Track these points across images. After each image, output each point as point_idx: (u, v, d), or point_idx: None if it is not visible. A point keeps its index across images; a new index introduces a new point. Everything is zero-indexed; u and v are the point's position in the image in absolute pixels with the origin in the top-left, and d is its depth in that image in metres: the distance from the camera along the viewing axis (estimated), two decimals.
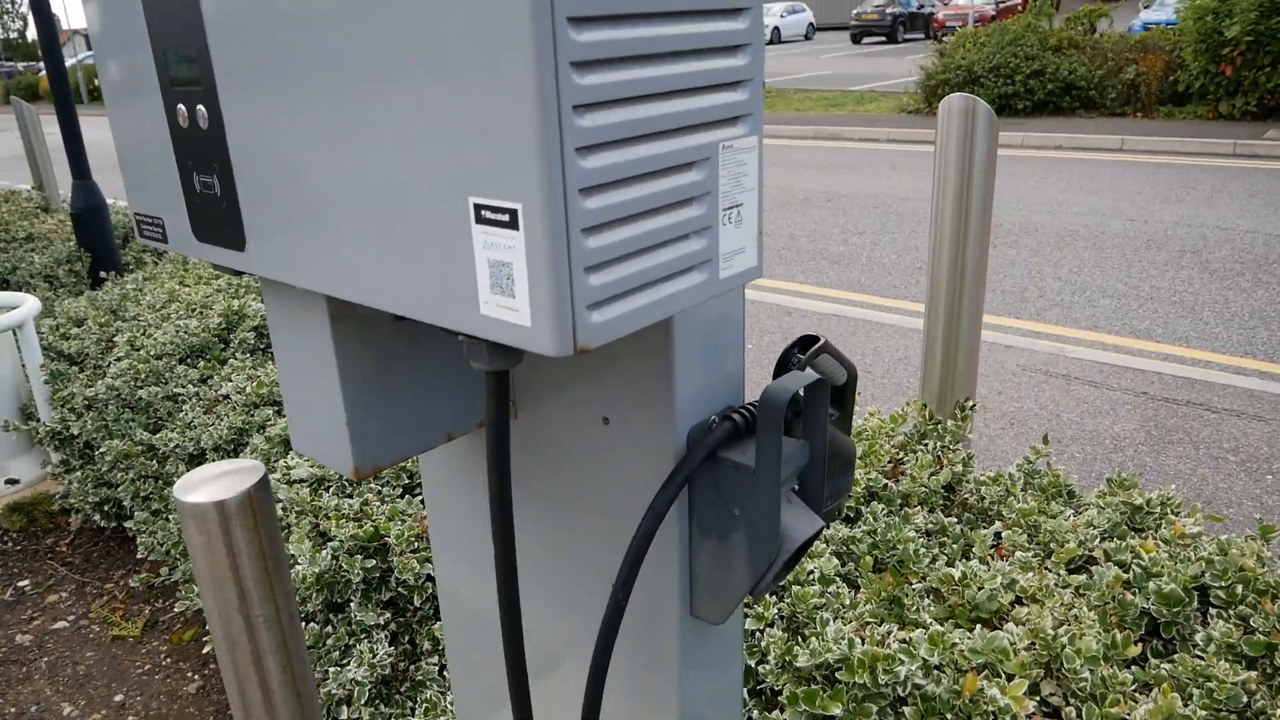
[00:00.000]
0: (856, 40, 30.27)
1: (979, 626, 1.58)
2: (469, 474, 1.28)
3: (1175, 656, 1.46)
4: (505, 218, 0.68)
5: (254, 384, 2.79)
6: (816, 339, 1.13)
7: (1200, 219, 6.41)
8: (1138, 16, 17.68)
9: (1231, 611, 1.53)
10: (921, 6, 30.37)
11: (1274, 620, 1.46)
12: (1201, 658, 1.47)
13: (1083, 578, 1.63)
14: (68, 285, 4.46)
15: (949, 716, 1.39)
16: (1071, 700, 1.42)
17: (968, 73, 11.57)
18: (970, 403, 2.17)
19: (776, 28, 32.94)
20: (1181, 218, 6.47)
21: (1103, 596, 1.58)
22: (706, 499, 1.07)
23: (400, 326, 1.09)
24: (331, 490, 2.20)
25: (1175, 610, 1.54)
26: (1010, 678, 1.43)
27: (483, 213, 0.69)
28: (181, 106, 0.98)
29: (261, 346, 3.18)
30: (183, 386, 2.93)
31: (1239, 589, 1.55)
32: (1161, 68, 10.65)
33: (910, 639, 1.51)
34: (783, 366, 1.12)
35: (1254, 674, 1.37)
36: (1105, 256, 5.64)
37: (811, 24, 35.03)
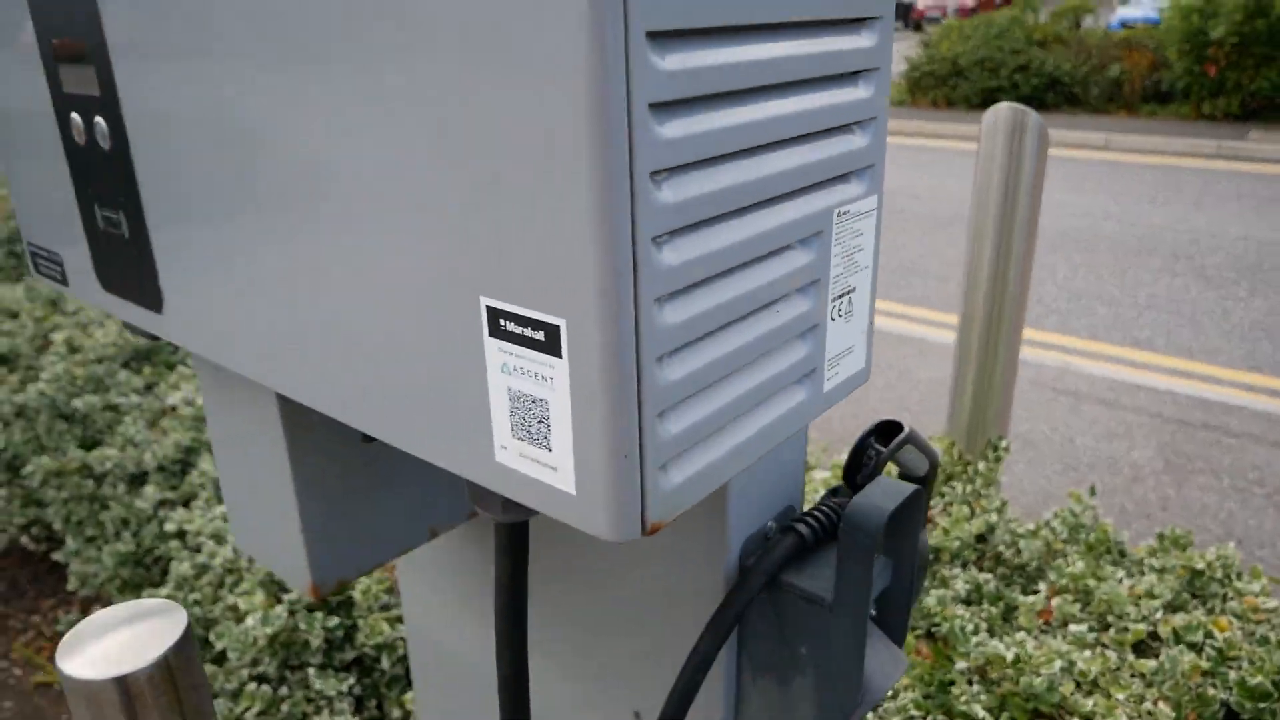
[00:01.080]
0: None
1: None
2: (449, 549, 1.04)
3: None
4: (539, 336, 0.44)
5: None
6: (899, 426, 0.90)
7: (1190, 223, 6.29)
8: (1115, 14, 17.64)
9: None
10: None
11: None
12: None
13: (1152, 663, 1.44)
14: (5, 270, 4.11)
15: None
16: None
17: (953, 65, 11.40)
18: (1004, 442, 1.97)
19: None
20: (1171, 221, 6.34)
21: (1177, 688, 1.39)
22: (762, 631, 0.84)
23: None
24: None
25: (1261, 705, 1.35)
26: None
27: (503, 323, 0.45)
28: (76, 117, 0.73)
29: None
30: (125, 395, 2.65)
31: None
32: (1146, 66, 10.54)
33: None
34: (856, 460, 0.89)
35: None
36: (1099, 260, 5.49)
37: None
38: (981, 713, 1.38)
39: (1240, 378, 3.76)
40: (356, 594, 1.75)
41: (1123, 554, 1.75)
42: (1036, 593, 1.67)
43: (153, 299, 0.74)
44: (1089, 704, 1.37)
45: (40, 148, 0.81)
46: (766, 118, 0.47)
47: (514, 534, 0.60)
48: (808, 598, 0.77)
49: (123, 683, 0.64)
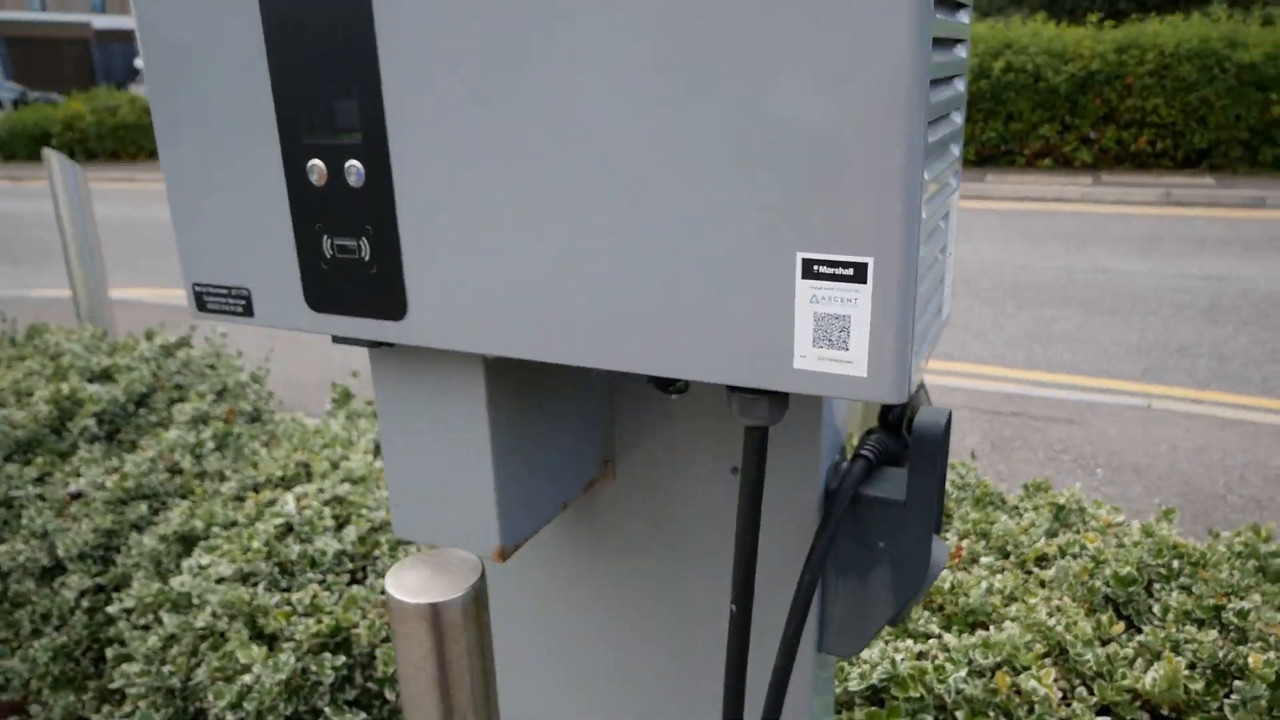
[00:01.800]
0: None
1: (978, 630, 1.71)
2: (540, 570, 1.21)
3: (1145, 629, 1.67)
4: (849, 272, 0.69)
5: (116, 477, 2.45)
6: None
7: (957, 253, 7.31)
8: None
9: (1174, 583, 1.78)
10: None
11: (1213, 585, 1.72)
12: (1163, 626, 1.69)
13: (1049, 573, 1.82)
14: None
15: (991, 714, 1.50)
16: (1080, 680, 1.59)
17: None
18: None
19: None
20: None
21: (1071, 587, 1.78)
22: (841, 541, 1.09)
23: (543, 383, 1.04)
24: (262, 586, 1.98)
25: (1130, 589, 1.76)
26: (1028, 668, 1.57)
27: (816, 268, 0.70)
28: (318, 163, 0.89)
29: (103, 434, 2.79)
30: (19, 488, 2.51)
31: (1174, 564, 1.80)
32: None
33: (935, 650, 1.61)
34: (887, 404, 1.19)
35: (1217, 633, 1.60)
36: None
37: None
38: (936, 629, 1.71)
39: (1026, 375, 4.49)
40: (361, 629, 1.83)
41: (1003, 501, 2.17)
42: (947, 539, 2.04)
43: (395, 309, 0.90)
44: (1013, 609, 1.73)
45: (245, 189, 0.95)
46: (946, 134, 0.76)
47: (762, 438, 0.83)
48: (884, 502, 1.04)
49: (437, 609, 0.81)
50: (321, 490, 2.21)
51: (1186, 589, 1.75)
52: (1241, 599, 1.64)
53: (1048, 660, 1.59)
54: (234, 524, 2.19)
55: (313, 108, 0.88)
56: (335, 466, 2.40)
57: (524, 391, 1.01)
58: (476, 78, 0.79)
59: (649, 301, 0.77)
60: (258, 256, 0.97)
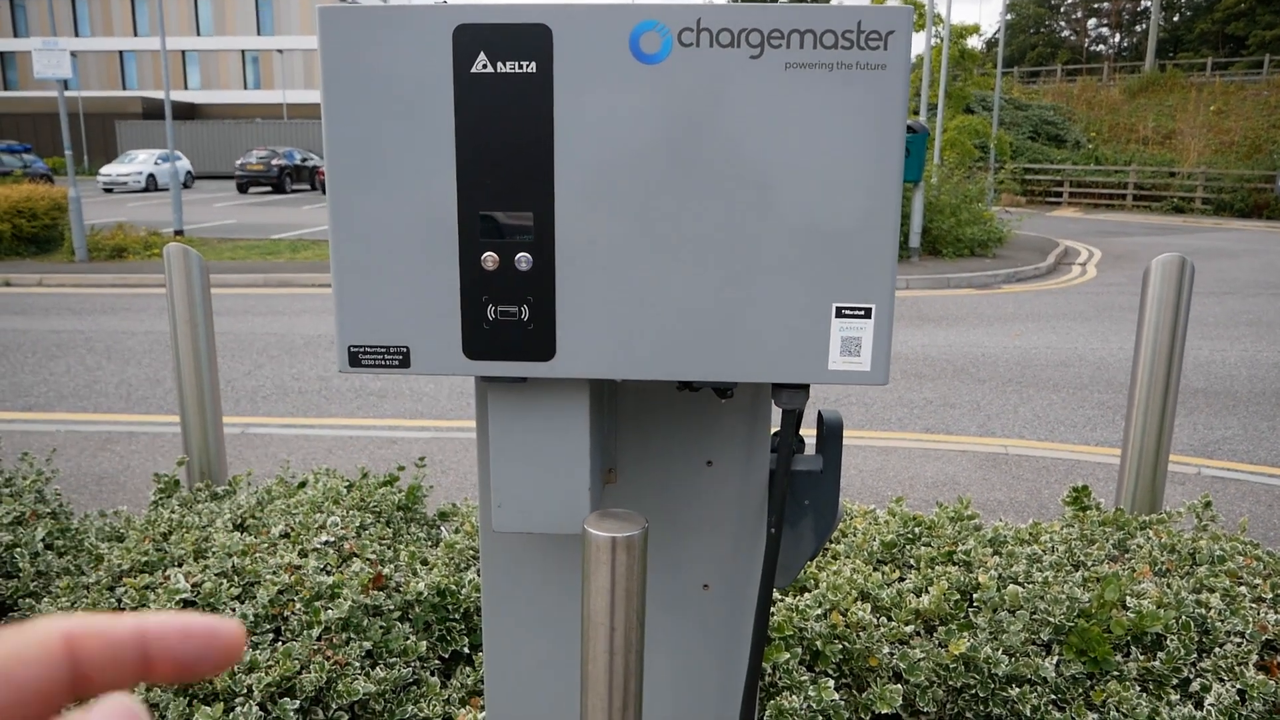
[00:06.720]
0: (243, 190, 30.16)
1: (804, 592, 2.34)
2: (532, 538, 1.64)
3: (910, 574, 2.41)
4: (861, 312, 1.28)
5: None
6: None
7: None
8: None
9: (919, 543, 2.56)
10: (305, 160, 31.75)
11: (943, 540, 2.52)
12: (919, 570, 2.45)
13: (840, 546, 2.52)
14: None
15: (836, 642, 2.12)
16: (882, 611, 2.27)
17: None
18: None
19: (152, 175, 31.08)
20: None
21: (857, 554, 2.49)
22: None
23: (601, 405, 1.48)
24: None
25: (893, 550, 2.51)
26: (848, 610, 2.22)
27: (843, 311, 1.28)
28: (491, 254, 1.29)
29: None
30: None
31: (915, 530, 2.60)
32: None
33: (783, 609, 2.21)
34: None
35: (956, 568, 2.38)
36: None
37: (190, 172, 33.90)
38: (777, 595, 2.31)
39: None
40: (313, 673, 2.00)
41: None
42: None
43: (545, 353, 1.32)
44: (824, 575, 2.39)
45: (418, 270, 1.30)
46: None
47: (799, 417, 1.37)
48: (808, 473, 1.63)
49: (625, 541, 1.23)
50: (207, 567, 2.29)
51: (927, 544, 2.55)
52: (964, 545, 2.46)
53: (860, 600, 2.26)
54: (119, 610, 2.18)
55: (492, 219, 1.28)
56: (200, 551, 2.46)
57: (597, 408, 1.46)
58: (628, 201, 1.27)
59: (746, 334, 1.29)
60: (422, 321, 1.31)
